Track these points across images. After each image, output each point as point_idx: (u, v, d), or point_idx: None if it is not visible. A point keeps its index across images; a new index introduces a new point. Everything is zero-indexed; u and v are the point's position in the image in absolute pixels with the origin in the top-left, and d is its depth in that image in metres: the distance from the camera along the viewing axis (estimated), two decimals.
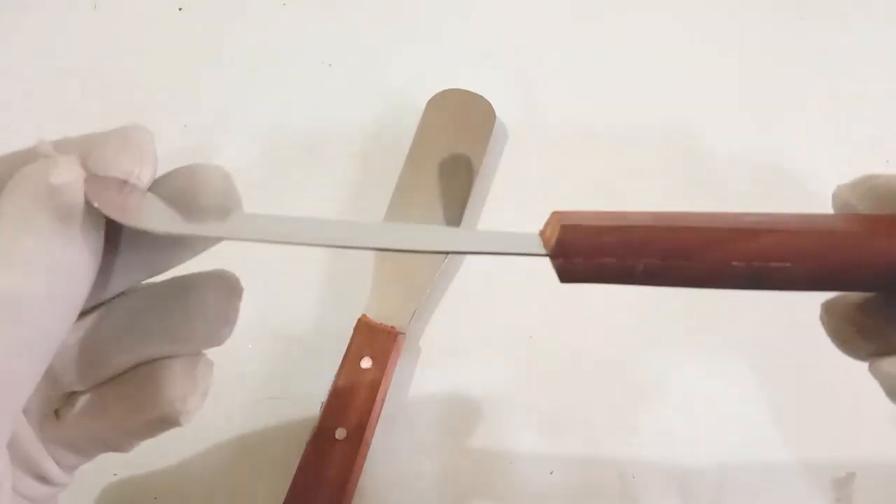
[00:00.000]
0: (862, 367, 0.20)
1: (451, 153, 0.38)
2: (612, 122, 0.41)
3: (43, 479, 0.20)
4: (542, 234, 0.20)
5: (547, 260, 0.19)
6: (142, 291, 0.20)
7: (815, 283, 0.19)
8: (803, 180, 0.40)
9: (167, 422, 0.21)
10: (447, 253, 0.22)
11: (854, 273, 0.18)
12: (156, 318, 0.20)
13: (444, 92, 0.40)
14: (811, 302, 0.36)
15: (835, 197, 0.21)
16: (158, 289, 0.21)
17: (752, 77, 0.42)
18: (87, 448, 0.21)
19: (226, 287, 0.21)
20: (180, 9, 0.44)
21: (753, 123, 0.41)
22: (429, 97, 0.39)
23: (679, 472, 0.34)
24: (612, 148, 0.40)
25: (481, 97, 0.39)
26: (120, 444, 0.21)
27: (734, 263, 0.18)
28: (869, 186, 0.20)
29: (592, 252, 0.19)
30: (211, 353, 0.37)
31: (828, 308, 0.22)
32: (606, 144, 0.40)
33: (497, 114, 0.39)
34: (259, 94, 0.41)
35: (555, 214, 0.19)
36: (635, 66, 0.42)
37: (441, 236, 0.22)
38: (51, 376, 0.19)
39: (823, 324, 0.22)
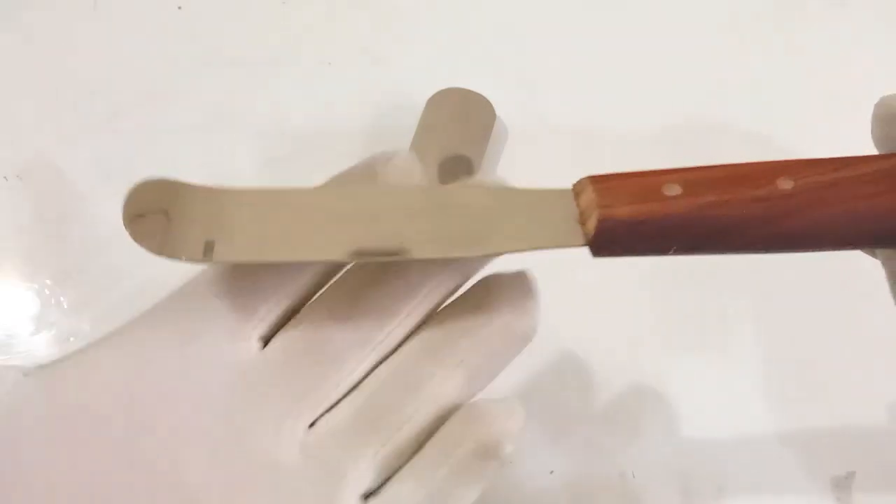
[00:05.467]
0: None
1: (451, 153, 0.38)
2: (612, 121, 0.41)
3: None
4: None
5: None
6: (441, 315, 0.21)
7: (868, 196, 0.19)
8: None
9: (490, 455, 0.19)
10: None
11: None
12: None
13: (444, 91, 0.39)
14: (811, 303, 0.36)
15: (881, 106, 0.21)
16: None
17: (754, 75, 0.42)
18: None
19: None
20: (180, 7, 0.44)
21: (756, 122, 0.41)
22: (429, 97, 0.39)
23: (679, 472, 0.34)
24: (612, 148, 0.40)
25: (481, 96, 0.39)
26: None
27: (779, 181, 0.19)
28: None
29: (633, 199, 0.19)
30: None
31: None
32: (606, 144, 0.40)
33: (497, 113, 0.39)
34: (259, 94, 0.41)
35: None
36: (635, 65, 0.42)
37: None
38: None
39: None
